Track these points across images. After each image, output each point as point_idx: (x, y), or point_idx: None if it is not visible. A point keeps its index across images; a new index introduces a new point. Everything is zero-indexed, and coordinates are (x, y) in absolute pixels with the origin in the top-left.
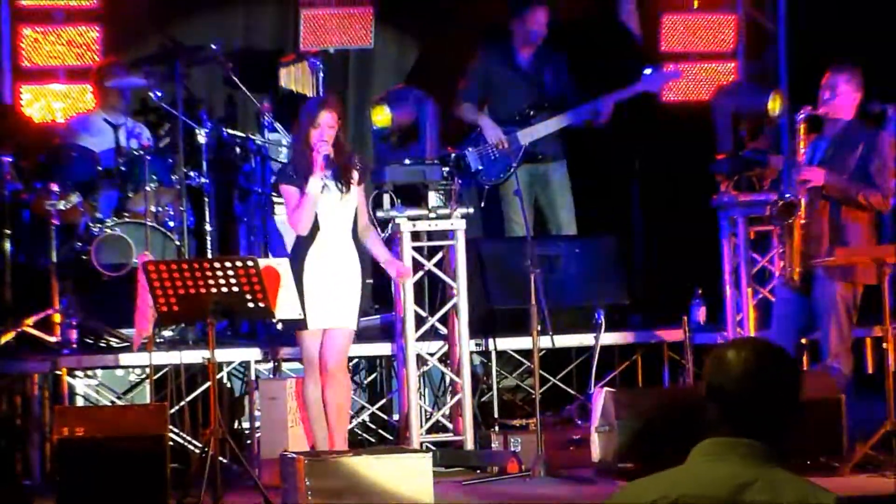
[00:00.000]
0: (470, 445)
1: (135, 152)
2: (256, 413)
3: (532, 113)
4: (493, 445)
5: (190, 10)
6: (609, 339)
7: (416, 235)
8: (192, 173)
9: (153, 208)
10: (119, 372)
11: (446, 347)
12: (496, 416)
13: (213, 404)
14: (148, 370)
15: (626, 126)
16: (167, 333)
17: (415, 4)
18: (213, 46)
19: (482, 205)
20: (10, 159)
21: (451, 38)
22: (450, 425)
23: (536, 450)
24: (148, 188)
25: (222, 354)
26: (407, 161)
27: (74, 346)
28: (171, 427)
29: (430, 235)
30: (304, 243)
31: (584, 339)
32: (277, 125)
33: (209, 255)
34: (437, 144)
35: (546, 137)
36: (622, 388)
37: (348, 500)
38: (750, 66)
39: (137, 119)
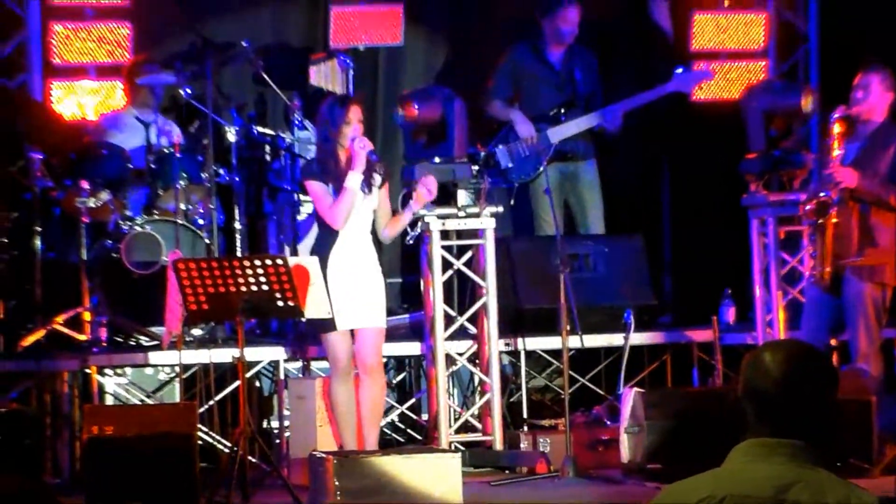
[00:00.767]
0: (499, 445)
1: (165, 150)
2: (285, 412)
3: (563, 111)
4: (521, 446)
5: (220, 7)
6: (638, 339)
7: (445, 234)
8: (221, 171)
9: (183, 206)
10: (148, 370)
11: (475, 347)
12: (525, 416)
13: (242, 403)
14: (177, 369)
15: (655, 125)
16: (196, 332)
17: (445, 2)
18: (244, 44)
19: (512, 203)
20: (41, 157)
21: (482, 35)
22: (479, 425)
23: (565, 450)
24: (178, 186)
25: (251, 353)
26: (436, 159)
27: (104, 344)
28: (200, 426)
29: (460, 234)
30: (325, 243)
31: (613, 339)
32: (307, 123)
33: (238, 254)
34: (464, 143)
35: (576, 136)
36: (651, 389)
37: (377, 499)
38: (780, 65)
39: (167, 116)
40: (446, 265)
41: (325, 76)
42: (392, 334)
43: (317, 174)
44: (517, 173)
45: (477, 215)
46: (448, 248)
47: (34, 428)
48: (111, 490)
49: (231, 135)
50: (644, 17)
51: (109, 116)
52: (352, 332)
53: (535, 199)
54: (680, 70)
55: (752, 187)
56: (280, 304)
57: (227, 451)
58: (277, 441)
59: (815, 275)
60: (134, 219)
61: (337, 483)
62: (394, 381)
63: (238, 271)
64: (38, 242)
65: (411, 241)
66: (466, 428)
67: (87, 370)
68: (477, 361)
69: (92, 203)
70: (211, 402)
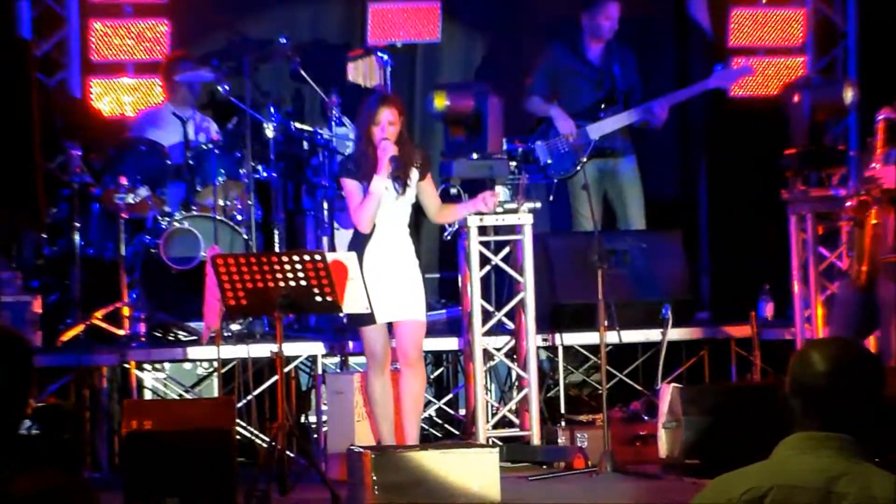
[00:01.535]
0: (536, 441)
1: (203, 146)
2: (323, 407)
3: (602, 107)
4: (559, 441)
5: (258, 4)
6: (676, 334)
7: (483, 230)
8: (259, 167)
9: (221, 202)
10: (187, 365)
11: (513, 342)
12: (562, 411)
13: (280, 398)
14: (216, 364)
15: (693, 121)
16: (235, 327)
17: None
18: (282, 41)
19: (550, 199)
20: (80, 153)
21: (520, 31)
22: (516, 420)
23: (603, 445)
24: (216, 182)
25: (289, 348)
26: (474, 155)
27: (143, 339)
28: (238, 421)
29: (498, 230)
30: (360, 240)
31: (650, 335)
32: (345, 119)
33: (276, 249)
34: (499, 139)
35: (614, 132)
36: (689, 384)
37: (415, 494)
38: (818, 61)
39: (205, 113)
40: (484, 261)
41: (363, 73)
42: (430, 329)
43: (352, 172)
44: (556, 169)
45: (515, 211)
46: (486, 244)
47: (73, 422)
48: (150, 484)
49: (269, 131)
50: (682, 13)
51: (148, 113)
52: (390, 326)
53: (574, 195)
54: (720, 66)
55: (791, 183)
56: (318, 299)
57: (265, 445)
58: (315, 436)
59: (851, 273)
60: (172, 215)
61: (375, 478)
62: (431, 377)
63: (276, 266)
64: (77, 238)
65: (449, 237)
66: (504, 423)
67: (126, 365)
68: (514, 357)
69: (130, 199)
70: (249, 397)
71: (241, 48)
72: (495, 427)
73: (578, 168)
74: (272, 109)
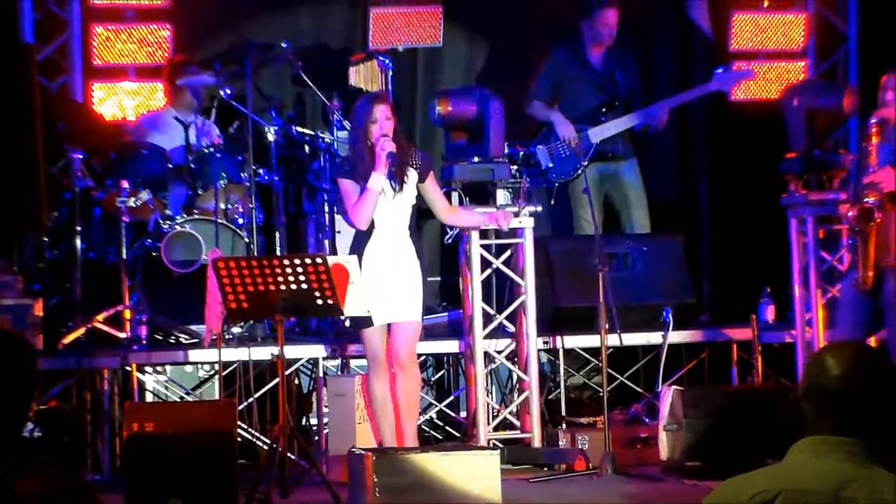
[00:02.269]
0: (537, 443)
1: (205, 150)
2: (324, 410)
3: (603, 111)
4: (560, 443)
5: (260, 8)
6: (677, 337)
7: (484, 233)
8: (261, 171)
9: (222, 205)
10: (188, 368)
11: (514, 345)
12: (563, 413)
13: (281, 401)
14: (217, 366)
15: (694, 125)
16: (236, 330)
17: (484, 3)
18: (283, 45)
19: (551, 203)
20: (82, 156)
21: (521, 36)
22: (517, 423)
23: (604, 448)
24: (218, 185)
25: (291, 351)
26: (476, 159)
27: (144, 341)
28: (239, 423)
29: (499, 233)
30: (360, 241)
31: (651, 338)
32: (346, 123)
33: (278, 253)
34: (500, 143)
35: (615, 136)
36: (690, 387)
37: (416, 496)
38: (819, 65)
39: (206, 117)
40: (485, 264)
41: (365, 77)
42: (431, 332)
43: (347, 172)
44: (557, 173)
45: (516, 215)
46: (487, 248)
47: (74, 425)
48: (151, 487)
49: (270, 135)
50: (683, 17)
51: (149, 117)
52: (389, 327)
53: (575, 198)
54: (721, 69)
55: (792, 187)
56: (319, 302)
57: (266, 448)
58: (316, 438)
59: (857, 279)
60: (174, 218)
61: (376, 480)
62: (432, 379)
63: (278, 270)
64: (78, 242)
65: (450, 241)
66: (505, 425)
67: (128, 368)
68: (515, 359)
69: (132, 203)
70: (250, 400)
71: (243, 52)
72: (496, 429)
73: (579, 172)
74: (274, 113)
